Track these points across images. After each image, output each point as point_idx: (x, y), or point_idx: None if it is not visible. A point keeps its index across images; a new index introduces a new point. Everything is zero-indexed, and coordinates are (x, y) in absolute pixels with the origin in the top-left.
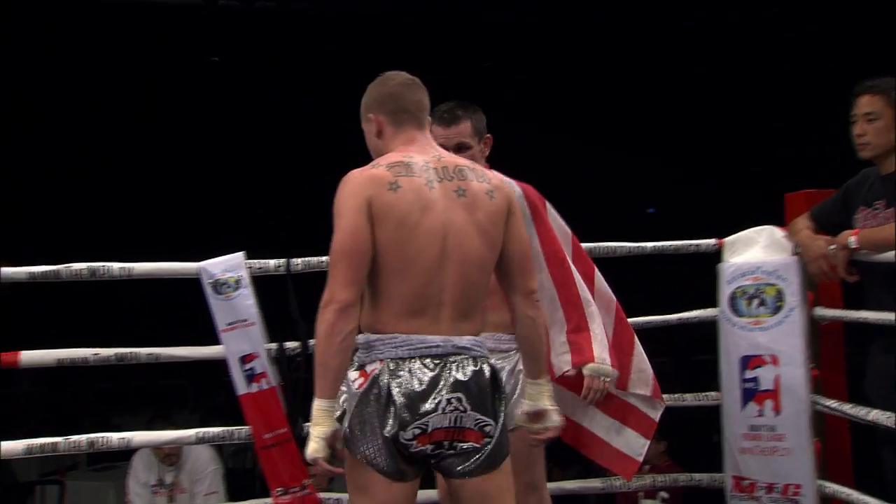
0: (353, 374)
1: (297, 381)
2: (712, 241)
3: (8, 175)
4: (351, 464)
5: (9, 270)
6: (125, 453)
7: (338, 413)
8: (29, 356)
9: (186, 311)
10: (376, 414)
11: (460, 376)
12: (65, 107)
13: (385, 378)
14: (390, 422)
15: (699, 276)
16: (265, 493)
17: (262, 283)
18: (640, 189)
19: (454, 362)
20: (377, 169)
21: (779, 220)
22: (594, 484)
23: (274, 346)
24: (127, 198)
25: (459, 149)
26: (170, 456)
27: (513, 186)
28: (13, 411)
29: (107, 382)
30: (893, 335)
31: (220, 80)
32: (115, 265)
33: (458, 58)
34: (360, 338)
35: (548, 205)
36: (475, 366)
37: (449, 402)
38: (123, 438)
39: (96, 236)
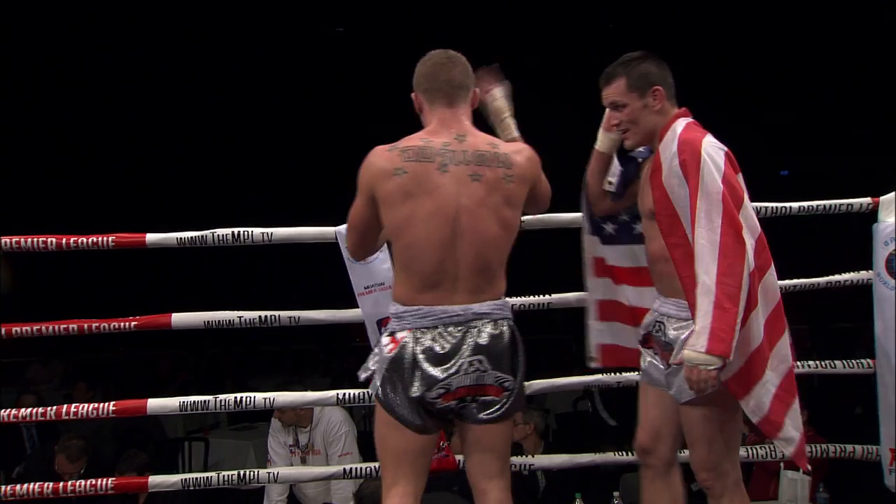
0: (385, 339)
1: None
2: (867, 199)
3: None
4: (381, 418)
5: (157, 236)
6: (263, 415)
7: (368, 374)
8: (180, 318)
9: (315, 276)
10: (405, 377)
11: (481, 340)
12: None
13: (411, 345)
14: (416, 384)
15: (839, 240)
16: None
17: None
18: (771, 151)
19: (475, 327)
20: (392, 152)
21: None
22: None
23: None
24: (249, 167)
25: (615, 107)
26: (302, 419)
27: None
28: (159, 374)
29: (241, 347)
30: None
31: (343, 51)
32: (257, 230)
33: None
34: (392, 308)
35: (704, 161)
36: (495, 328)
37: (471, 363)
38: (267, 398)
39: (223, 205)
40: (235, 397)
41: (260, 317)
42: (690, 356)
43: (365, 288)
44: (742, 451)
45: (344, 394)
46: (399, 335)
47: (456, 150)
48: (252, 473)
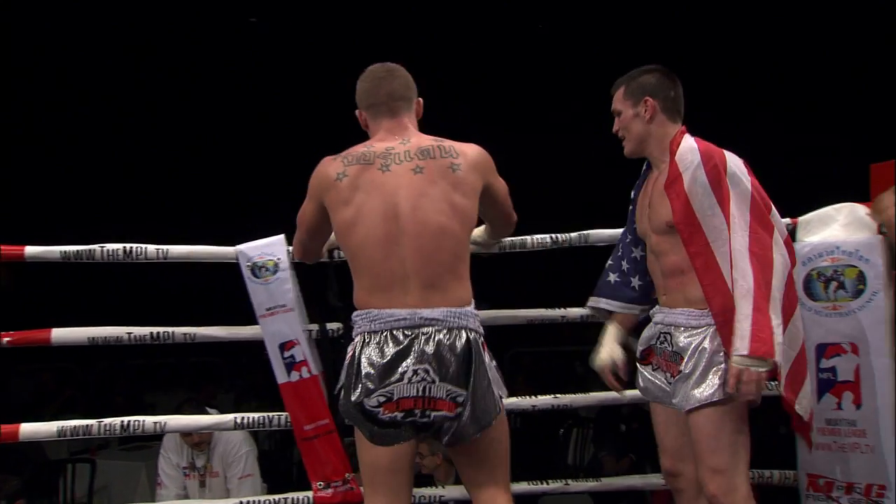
0: (350, 346)
1: (340, 366)
2: (786, 220)
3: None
4: (356, 432)
5: (38, 249)
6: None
7: (340, 384)
8: (61, 333)
9: (226, 292)
10: (351, 382)
11: (428, 348)
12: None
13: (358, 350)
14: (357, 390)
15: None
16: (305, 484)
17: (306, 270)
18: None
19: (425, 334)
20: (336, 160)
21: (863, 194)
22: (656, 480)
23: (315, 327)
24: (164, 178)
25: (616, 114)
26: (199, 444)
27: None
28: (45, 387)
29: (139, 359)
30: None
31: (259, 47)
32: (151, 247)
33: None
34: (353, 315)
35: (732, 171)
36: (448, 336)
37: (415, 372)
38: (158, 422)
39: (132, 217)
40: (122, 422)
41: (152, 333)
42: (737, 360)
43: (267, 309)
44: (660, 480)
45: (243, 417)
46: (354, 341)
47: (399, 151)
48: None
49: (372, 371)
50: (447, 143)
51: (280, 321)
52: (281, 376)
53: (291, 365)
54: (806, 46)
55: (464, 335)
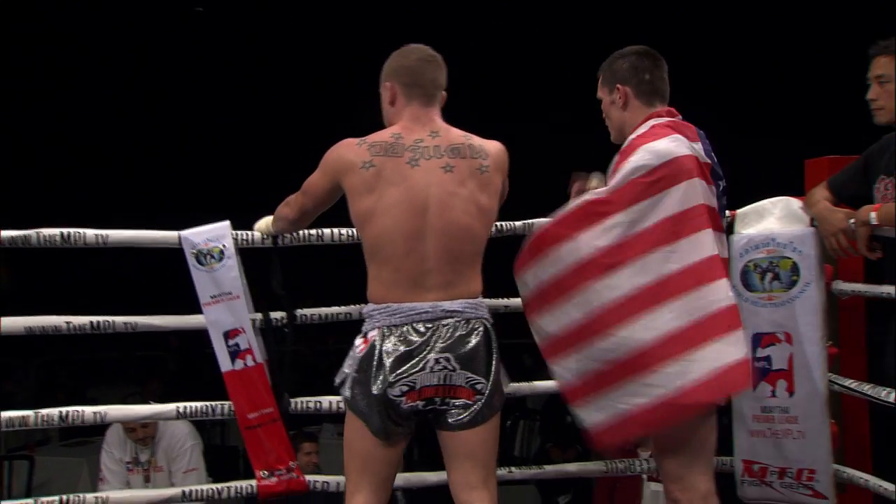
0: (357, 341)
1: (284, 355)
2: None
3: None
4: (349, 423)
5: None
6: (100, 427)
7: (342, 377)
8: None
9: (169, 280)
10: (370, 375)
11: (450, 339)
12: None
13: (379, 343)
14: (379, 381)
15: None
16: (250, 473)
17: (250, 257)
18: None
19: (445, 325)
20: (361, 146)
21: (799, 188)
22: (597, 467)
23: (259, 316)
24: (108, 163)
25: (600, 101)
26: (144, 439)
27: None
28: None
29: (83, 353)
30: None
31: (205, 35)
32: (90, 231)
33: None
34: (365, 308)
35: (631, 166)
36: (466, 327)
37: (437, 361)
38: (98, 412)
39: (75, 202)
40: (60, 412)
41: (92, 323)
42: None
43: (211, 297)
44: (601, 465)
45: (185, 407)
46: (370, 335)
47: (429, 145)
48: (77, 498)
49: (395, 363)
50: (476, 140)
51: (225, 309)
52: (225, 364)
53: (236, 353)
54: (748, 47)
55: (481, 325)
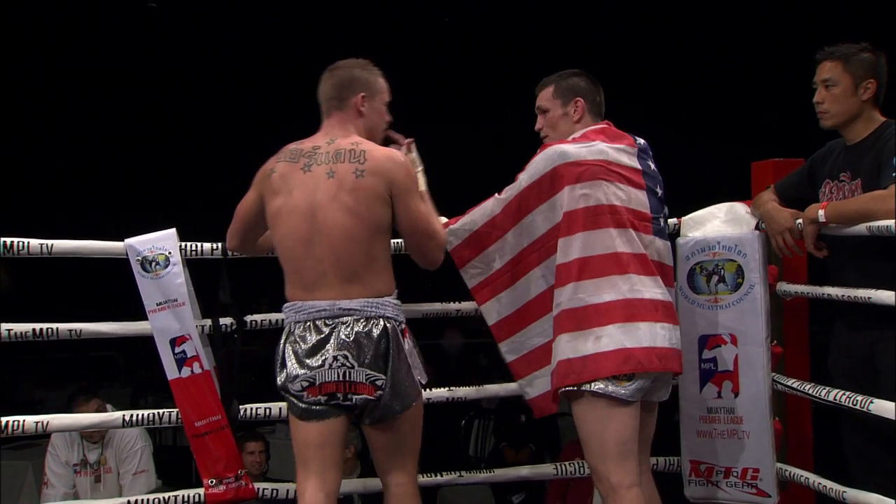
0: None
1: (233, 358)
2: (672, 220)
3: None
4: (288, 413)
5: None
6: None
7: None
8: None
9: (116, 286)
10: (276, 368)
11: (348, 336)
12: None
13: (283, 339)
14: (283, 375)
15: None
16: (200, 481)
17: (197, 266)
18: None
19: (344, 323)
20: (276, 156)
21: (745, 191)
22: (547, 470)
23: (208, 322)
24: (54, 169)
25: (540, 112)
26: (93, 434)
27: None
28: None
29: (29, 354)
30: (859, 312)
31: (157, 33)
32: (34, 241)
33: None
34: (283, 307)
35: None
36: (365, 325)
37: (335, 358)
38: (40, 422)
39: (17, 210)
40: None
41: (34, 330)
42: None
43: (157, 304)
44: (550, 469)
45: (132, 414)
46: (284, 330)
47: (323, 151)
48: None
49: (296, 358)
50: (366, 146)
51: (171, 316)
52: (171, 372)
53: (182, 360)
54: (693, 51)
55: (381, 323)
